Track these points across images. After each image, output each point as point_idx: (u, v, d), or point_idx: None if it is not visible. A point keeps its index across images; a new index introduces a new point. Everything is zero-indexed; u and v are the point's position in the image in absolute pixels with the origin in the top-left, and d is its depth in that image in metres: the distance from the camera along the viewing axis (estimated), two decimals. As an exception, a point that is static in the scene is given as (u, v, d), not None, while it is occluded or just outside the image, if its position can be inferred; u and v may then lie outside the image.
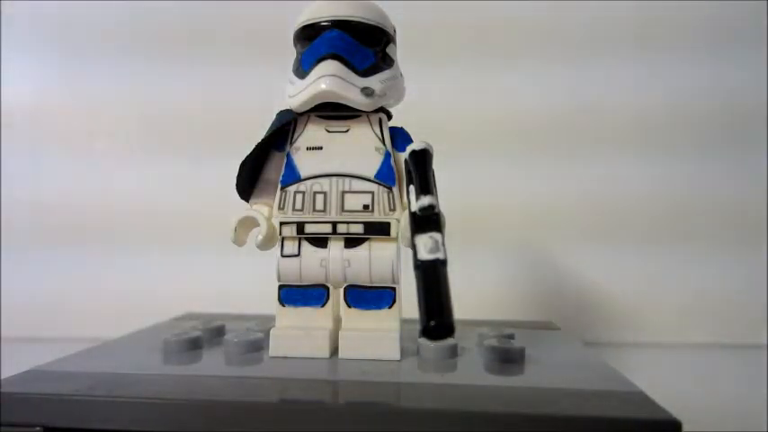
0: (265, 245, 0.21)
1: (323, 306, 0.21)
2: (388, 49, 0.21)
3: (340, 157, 0.21)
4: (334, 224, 0.20)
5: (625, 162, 0.38)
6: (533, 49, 0.39)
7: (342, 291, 0.21)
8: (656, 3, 0.38)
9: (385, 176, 0.20)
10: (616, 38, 0.39)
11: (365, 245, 0.20)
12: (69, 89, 0.40)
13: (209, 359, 0.21)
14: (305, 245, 0.21)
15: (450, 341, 0.20)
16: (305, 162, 0.21)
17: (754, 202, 0.38)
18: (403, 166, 0.20)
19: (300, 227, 0.20)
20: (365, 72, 0.20)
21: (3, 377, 0.17)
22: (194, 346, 0.22)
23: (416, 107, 0.22)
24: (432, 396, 0.17)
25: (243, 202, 0.22)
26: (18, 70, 0.40)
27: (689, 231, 0.38)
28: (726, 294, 0.37)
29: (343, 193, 0.20)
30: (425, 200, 0.17)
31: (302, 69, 0.20)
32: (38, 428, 0.16)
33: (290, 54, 0.22)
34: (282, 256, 0.21)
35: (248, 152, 0.21)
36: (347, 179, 0.20)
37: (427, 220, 0.17)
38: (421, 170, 0.18)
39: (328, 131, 0.21)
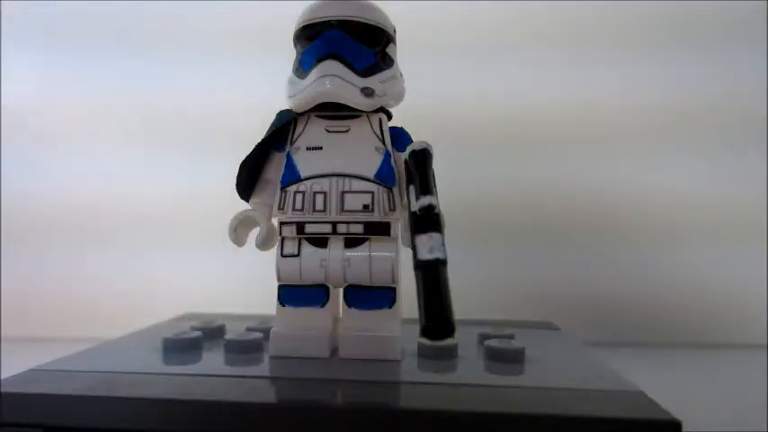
0: (265, 245, 0.21)
1: (323, 306, 0.21)
2: (388, 49, 0.21)
3: (340, 157, 0.21)
4: (334, 224, 0.20)
5: (625, 161, 0.38)
6: (532, 47, 0.39)
7: (342, 291, 0.21)
8: (657, 2, 0.38)
9: (385, 176, 0.20)
10: (616, 37, 0.39)
11: (365, 245, 0.20)
12: (69, 88, 0.40)
13: (209, 359, 0.21)
14: (305, 245, 0.21)
15: (450, 341, 0.20)
16: (305, 162, 0.21)
17: (754, 202, 0.38)
18: (403, 166, 0.20)
19: (300, 227, 0.20)
20: (365, 72, 0.20)
21: (3, 377, 0.17)
22: (194, 346, 0.22)
23: (415, 104, 0.22)
24: (432, 396, 0.17)
25: (243, 201, 0.22)
26: (18, 70, 0.40)
27: (689, 231, 0.38)
28: (726, 294, 0.37)
29: (343, 193, 0.20)
30: (425, 200, 0.17)
31: (302, 69, 0.20)
32: (38, 429, 0.16)
33: (291, 53, 0.22)
34: (282, 255, 0.21)
35: (248, 152, 0.21)
36: (347, 179, 0.20)
37: (427, 220, 0.17)
38: (421, 170, 0.18)
39: (328, 131, 0.21)
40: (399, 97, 0.22)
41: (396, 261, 0.20)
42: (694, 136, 0.38)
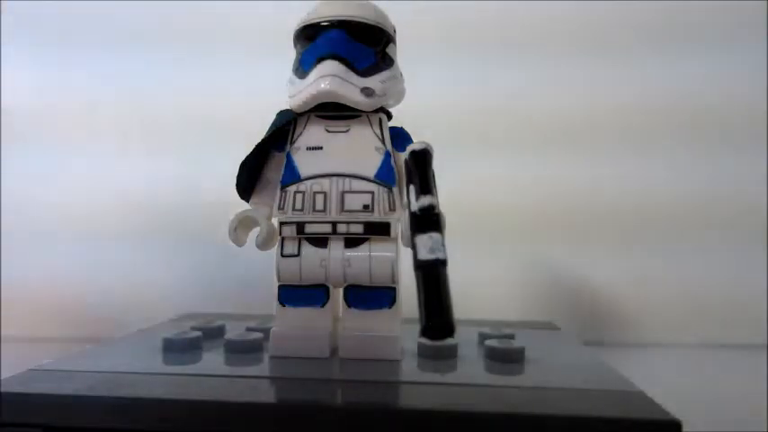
0: (265, 245, 0.21)
1: (323, 306, 0.21)
2: (388, 49, 0.21)
3: (340, 157, 0.21)
4: (334, 224, 0.20)
5: (626, 162, 0.38)
6: (532, 48, 0.39)
7: (342, 291, 0.21)
8: (656, 2, 0.38)
9: (385, 176, 0.20)
10: (616, 37, 0.39)
11: (365, 245, 0.20)
12: (69, 87, 0.40)
13: (209, 359, 0.21)
14: (305, 245, 0.21)
15: (450, 341, 0.20)
16: (305, 162, 0.21)
17: (755, 202, 0.38)
18: (403, 166, 0.20)
19: (300, 227, 0.20)
20: (365, 72, 0.20)
21: (3, 377, 0.17)
22: (194, 346, 0.22)
23: (415, 104, 0.22)
24: (432, 396, 0.17)
25: (243, 201, 0.22)
26: (18, 69, 0.40)
27: (689, 231, 0.38)
28: (726, 294, 0.37)
29: (343, 192, 0.20)
30: (425, 200, 0.17)
31: (302, 69, 0.20)
32: (38, 429, 0.16)
33: (291, 53, 0.22)
34: (282, 255, 0.21)
35: (248, 152, 0.21)
36: (347, 179, 0.20)
37: (427, 220, 0.17)
38: (421, 170, 0.18)
39: (328, 131, 0.21)
40: (399, 97, 0.22)
41: (396, 261, 0.20)
42: (695, 136, 0.38)
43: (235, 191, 0.22)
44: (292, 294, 0.21)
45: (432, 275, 0.16)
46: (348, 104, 0.20)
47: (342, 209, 0.20)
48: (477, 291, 0.34)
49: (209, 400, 0.16)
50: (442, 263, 0.16)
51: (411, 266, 0.16)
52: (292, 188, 0.21)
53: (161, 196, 0.39)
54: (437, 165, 0.19)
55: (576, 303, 0.38)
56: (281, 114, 0.21)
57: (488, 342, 0.21)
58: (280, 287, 0.21)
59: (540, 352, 0.21)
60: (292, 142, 0.21)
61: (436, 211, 0.17)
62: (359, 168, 0.20)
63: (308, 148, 0.21)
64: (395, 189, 0.20)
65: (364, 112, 0.21)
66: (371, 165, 0.20)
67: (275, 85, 0.22)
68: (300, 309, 0.21)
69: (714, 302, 0.37)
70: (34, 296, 0.39)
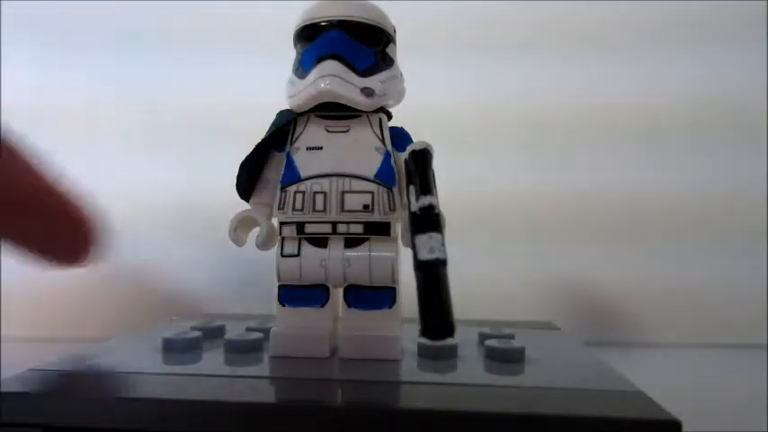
0: (265, 245, 0.21)
1: (323, 306, 0.21)
2: (387, 49, 0.21)
3: (340, 157, 0.21)
4: (334, 224, 0.20)
5: (627, 161, 0.38)
6: (532, 47, 0.39)
7: (342, 291, 0.21)
8: (657, 2, 0.38)
9: (385, 176, 0.20)
10: (616, 35, 0.39)
11: (365, 245, 0.20)
12: (69, 87, 0.40)
13: (209, 359, 0.21)
14: (305, 245, 0.21)
15: (450, 341, 0.20)
16: (305, 162, 0.21)
17: (755, 202, 0.38)
18: (403, 166, 0.20)
19: (300, 227, 0.20)
20: (365, 72, 0.20)
21: (3, 377, 0.17)
22: (194, 346, 0.22)
23: (415, 104, 0.22)
24: (432, 396, 0.17)
25: (243, 201, 0.22)
26: (18, 69, 0.40)
27: (689, 231, 0.38)
28: (726, 294, 0.37)
29: (343, 192, 0.20)
30: (425, 200, 0.17)
31: (302, 69, 0.20)
32: (38, 429, 0.16)
33: (291, 53, 0.22)
34: (282, 255, 0.21)
35: (248, 152, 0.21)
36: (347, 179, 0.20)
37: (427, 220, 0.17)
38: (421, 170, 0.18)
39: (328, 131, 0.21)
40: (399, 97, 0.22)
41: (396, 261, 0.20)
42: (695, 135, 0.38)
43: (235, 191, 0.22)
44: (292, 294, 0.21)
45: (432, 275, 0.16)
46: (348, 104, 0.20)
47: (342, 209, 0.20)
48: (478, 291, 0.34)
49: (209, 400, 0.16)
50: (442, 263, 0.16)
51: (411, 266, 0.16)
52: (292, 188, 0.21)
53: (162, 196, 0.39)
54: (437, 164, 0.19)
55: (576, 303, 0.38)
56: (281, 114, 0.21)
57: (488, 342, 0.21)
58: (280, 287, 0.21)
59: (540, 352, 0.21)
60: (292, 142, 0.21)
61: (436, 211, 0.17)
62: (359, 168, 0.20)
63: (308, 148, 0.21)
64: (395, 189, 0.20)
65: (364, 112, 0.21)
66: (371, 165, 0.20)
67: (275, 85, 0.22)
68: (300, 309, 0.21)
69: (714, 302, 0.37)
70: (34, 296, 0.39)
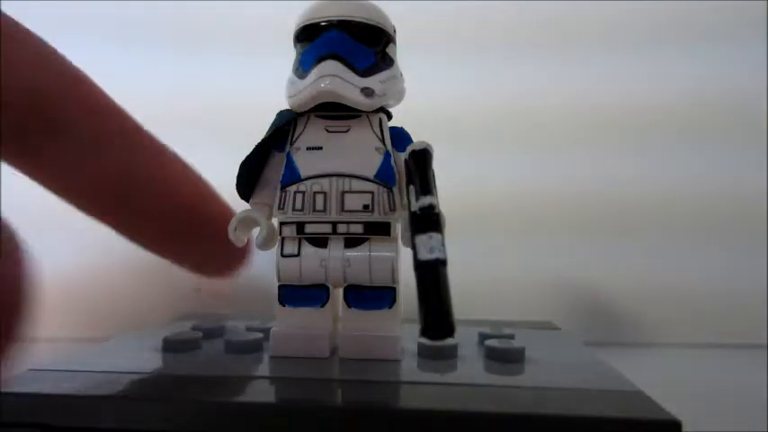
0: (265, 245, 0.21)
1: (323, 306, 0.21)
2: (388, 49, 0.21)
3: (340, 157, 0.21)
4: (334, 224, 0.20)
5: (627, 161, 0.38)
6: (533, 47, 0.39)
7: (342, 291, 0.21)
8: (657, 2, 0.38)
9: (385, 176, 0.20)
10: (616, 35, 0.39)
11: (365, 245, 0.20)
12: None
13: (208, 359, 0.21)
14: (305, 245, 0.21)
15: (450, 341, 0.20)
16: (305, 162, 0.21)
17: (755, 202, 0.38)
18: (403, 166, 0.20)
19: (300, 227, 0.20)
20: (365, 72, 0.20)
21: (3, 377, 0.17)
22: (194, 345, 0.22)
23: (415, 104, 0.22)
24: (432, 396, 0.17)
25: (243, 201, 0.22)
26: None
27: (689, 231, 0.38)
28: (726, 294, 0.37)
29: (343, 193, 0.20)
30: (425, 200, 0.17)
31: (302, 69, 0.20)
32: (38, 429, 0.16)
33: (291, 52, 0.22)
34: (282, 255, 0.21)
35: (248, 152, 0.21)
36: (347, 179, 0.20)
37: (427, 220, 0.17)
38: (421, 170, 0.18)
39: (328, 131, 0.21)
40: (399, 97, 0.22)
41: (396, 261, 0.20)
42: (695, 135, 0.38)
43: (235, 191, 0.22)
44: (292, 294, 0.21)
45: (432, 275, 0.16)
46: (348, 104, 0.20)
47: (342, 209, 0.20)
48: (478, 291, 0.34)
49: (210, 400, 0.16)
50: (441, 263, 0.16)
51: (411, 266, 0.16)
52: (292, 188, 0.21)
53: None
54: (437, 164, 0.19)
55: (576, 303, 0.38)
56: (281, 114, 0.21)
57: (488, 342, 0.21)
58: (280, 287, 0.21)
59: (540, 352, 0.21)
60: (292, 142, 0.21)
61: (436, 210, 0.17)
62: (359, 168, 0.20)
63: (308, 148, 0.21)
64: (395, 189, 0.20)
65: (364, 112, 0.21)
66: (371, 165, 0.20)
67: (275, 85, 0.22)
68: (300, 309, 0.21)
69: (714, 302, 0.37)
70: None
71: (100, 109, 0.26)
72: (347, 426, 0.15)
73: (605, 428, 0.15)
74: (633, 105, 0.39)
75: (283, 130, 0.21)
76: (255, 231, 0.21)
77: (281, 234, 0.21)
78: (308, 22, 0.21)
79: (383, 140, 0.21)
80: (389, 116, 0.22)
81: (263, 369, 0.20)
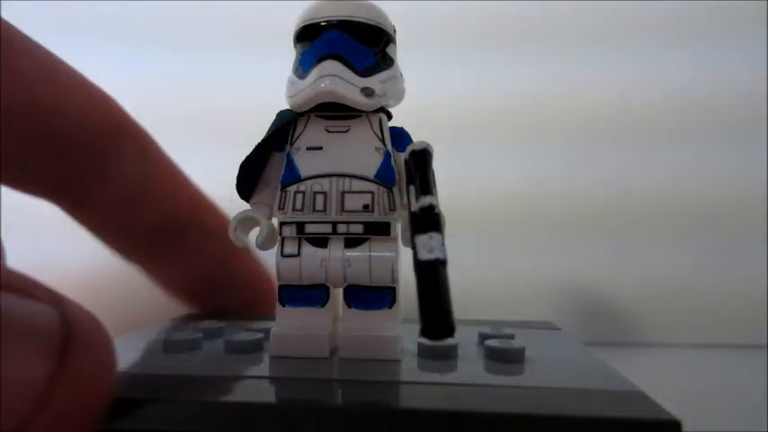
0: (265, 245, 0.21)
1: (323, 306, 0.21)
2: (388, 49, 0.21)
3: (340, 157, 0.20)
4: (334, 224, 0.20)
5: (627, 161, 0.38)
6: (533, 46, 0.39)
7: (342, 291, 0.21)
8: (656, 2, 0.38)
9: (385, 176, 0.20)
10: (616, 35, 0.39)
11: (365, 245, 0.20)
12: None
13: (209, 359, 0.21)
14: (305, 245, 0.21)
15: (450, 341, 0.20)
16: (305, 162, 0.21)
17: (755, 202, 0.38)
18: (403, 166, 0.20)
19: (300, 227, 0.20)
20: (365, 72, 0.20)
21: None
22: (194, 345, 0.22)
23: (415, 104, 0.22)
24: (432, 396, 0.17)
25: (243, 201, 0.22)
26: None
27: (689, 231, 0.38)
28: (726, 294, 0.37)
29: (343, 193, 0.20)
30: (425, 200, 0.17)
31: (302, 69, 0.20)
32: None
33: (292, 52, 0.22)
34: (282, 256, 0.21)
35: (248, 152, 0.21)
36: (347, 179, 0.20)
37: (427, 220, 0.17)
38: (421, 170, 0.18)
39: (328, 131, 0.21)
40: (399, 97, 0.22)
41: (396, 261, 0.20)
42: (696, 135, 0.38)
43: (235, 191, 0.22)
44: (292, 294, 0.21)
45: (431, 275, 0.16)
46: (348, 104, 0.20)
47: (342, 209, 0.20)
48: (478, 291, 0.34)
49: (210, 400, 0.16)
50: (441, 263, 0.16)
51: (411, 266, 0.16)
52: (292, 188, 0.21)
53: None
54: (437, 164, 0.19)
55: (576, 303, 0.38)
56: (281, 114, 0.21)
57: (488, 342, 0.21)
58: (280, 287, 0.21)
59: (540, 352, 0.21)
60: (292, 142, 0.21)
61: (436, 210, 0.17)
62: (359, 168, 0.20)
63: (308, 149, 0.21)
64: (395, 189, 0.20)
65: (364, 112, 0.21)
66: (371, 165, 0.20)
67: (275, 85, 0.22)
68: (300, 309, 0.21)
69: (714, 302, 0.37)
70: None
71: (147, 153, 0.26)
72: (347, 426, 0.15)
73: (605, 428, 0.15)
74: (633, 105, 0.39)
75: (283, 130, 0.21)
76: (255, 231, 0.21)
77: (281, 234, 0.21)
78: (308, 22, 0.21)
79: (383, 140, 0.21)
80: (389, 116, 0.22)
81: (263, 369, 0.19)
